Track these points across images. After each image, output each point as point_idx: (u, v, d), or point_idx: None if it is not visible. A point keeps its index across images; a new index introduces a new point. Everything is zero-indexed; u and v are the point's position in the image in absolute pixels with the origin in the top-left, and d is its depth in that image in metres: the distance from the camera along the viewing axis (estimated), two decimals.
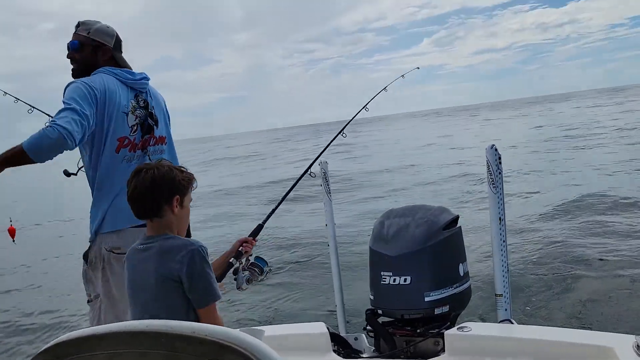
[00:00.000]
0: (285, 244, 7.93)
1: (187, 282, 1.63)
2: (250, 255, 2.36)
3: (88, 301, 2.45)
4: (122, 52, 2.53)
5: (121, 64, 2.47)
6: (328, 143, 2.95)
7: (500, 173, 2.29)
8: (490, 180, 2.29)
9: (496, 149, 2.28)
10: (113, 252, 2.34)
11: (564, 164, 14.41)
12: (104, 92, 2.30)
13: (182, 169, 1.79)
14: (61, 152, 2.15)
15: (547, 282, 5.48)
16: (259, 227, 2.54)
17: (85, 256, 2.41)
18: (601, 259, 5.92)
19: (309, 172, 2.76)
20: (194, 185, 1.80)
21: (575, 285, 5.30)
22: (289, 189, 2.54)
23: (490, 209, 2.32)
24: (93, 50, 2.45)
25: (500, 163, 2.29)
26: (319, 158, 2.90)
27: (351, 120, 3.18)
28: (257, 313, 5.45)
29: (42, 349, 0.93)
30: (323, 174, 2.87)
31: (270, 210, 2.47)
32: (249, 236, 2.43)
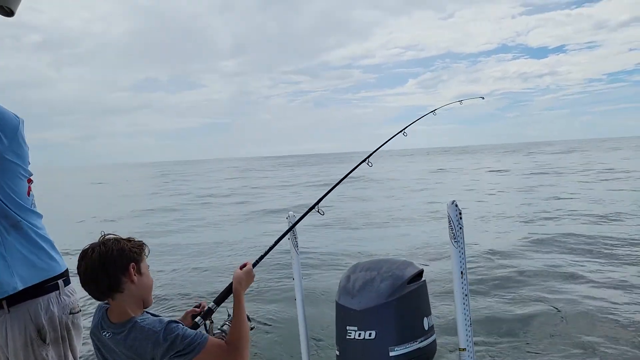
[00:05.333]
0: (252, 296, 7.78)
1: (168, 354, 1.62)
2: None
3: None
4: None
5: None
6: (343, 177, 2.74)
7: (461, 228, 2.35)
8: (452, 235, 2.35)
9: (456, 205, 2.35)
10: (73, 314, 2.07)
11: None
12: None
13: (130, 239, 1.77)
14: None
15: (511, 328, 5.58)
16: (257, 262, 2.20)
17: (40, 332, 1.96)
18: (555, 308, 6.12)
19: (316, 208, 2.60)
20: (146, 251, 1.78)
21: (538, 333, 5.41)
22: (277, 239, 2.44)
23: (452, 263, 2.36)
24: None
25: (461, 218, 2.35)
26: (319, 202, 2.67)
27: (377, 149, 3.00)
28: None
29: None
30: (290, 224, 2.88)
31: (259, 256, 2.26)
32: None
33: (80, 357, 2.14)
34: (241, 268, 2.02)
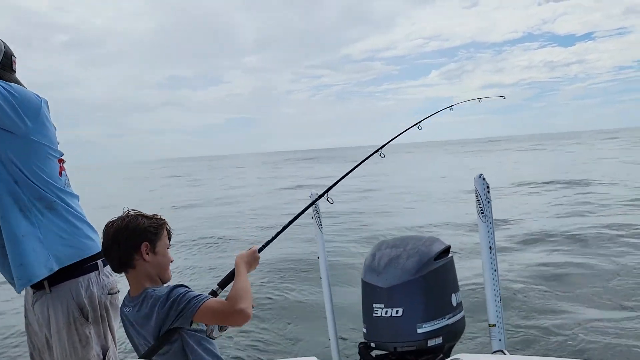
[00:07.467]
0: (278, 272, 7.84)
1: (172, 314, 1.60)
2: None
3: None
4: (14, 71, 2.08)
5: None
6: (354, 167, 2.70)
7: (489, 202, 2.29)
8: (480, 209, 2.29)
9: (484, 179, 2.29)
10: (111, 294, 2.07)
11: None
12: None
13: (151, 216, 1.76)
14: None
15: (541, 310, 5.46)
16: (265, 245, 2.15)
17: (83, 310, 1.97)
18: (596, 288, 5.93)
19: (326, 197, 2.59)
20: (169, 230, 1.77)
21: (569, 314, 5.28)
22: (292, 218, 2.33)
23: (480, 238, 2.31)
24: None
25: (488, 192, 2.30)
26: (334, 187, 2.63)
27: (390, 141, 2.94)
28: (248, 345, 5.35)
29: None
30: (314, 206, 2.85)
31: (270, 238, 2.19)
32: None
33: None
34: None
